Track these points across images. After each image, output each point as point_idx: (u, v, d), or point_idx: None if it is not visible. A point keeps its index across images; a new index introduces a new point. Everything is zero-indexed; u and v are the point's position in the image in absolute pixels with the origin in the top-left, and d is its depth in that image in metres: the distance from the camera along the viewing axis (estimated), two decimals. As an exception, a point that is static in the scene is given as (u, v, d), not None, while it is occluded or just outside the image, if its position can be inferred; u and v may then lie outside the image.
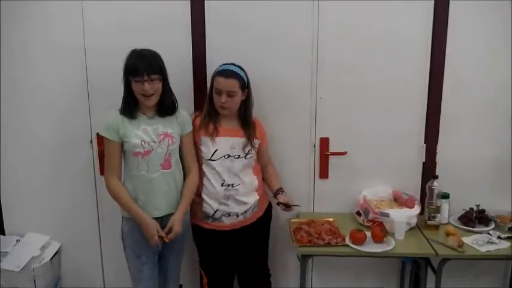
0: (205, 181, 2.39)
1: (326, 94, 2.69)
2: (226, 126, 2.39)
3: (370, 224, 2.55)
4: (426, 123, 2.70)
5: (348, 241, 2.35)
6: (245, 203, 2.42)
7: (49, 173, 2.88)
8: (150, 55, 2.18)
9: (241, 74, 2.34)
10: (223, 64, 2.35)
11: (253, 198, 2.45)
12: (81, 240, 2.98)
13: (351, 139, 2.74)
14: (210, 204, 2.38)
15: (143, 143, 2.22)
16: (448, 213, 2.61)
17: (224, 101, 2.30)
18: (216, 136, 2.36)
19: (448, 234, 2.43)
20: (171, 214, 2.30)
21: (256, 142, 2.45)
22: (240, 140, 2.39)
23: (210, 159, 2.36)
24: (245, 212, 2.43)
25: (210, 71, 2.58)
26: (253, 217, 2.48)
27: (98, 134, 2.35)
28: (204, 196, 2.40)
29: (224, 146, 2.36)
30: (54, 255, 2.92)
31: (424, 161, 2.74)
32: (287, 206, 2.41)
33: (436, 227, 2.53)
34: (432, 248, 2.32)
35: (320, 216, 2.66)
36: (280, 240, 2.76)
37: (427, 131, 2.71)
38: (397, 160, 2.75)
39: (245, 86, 2.36)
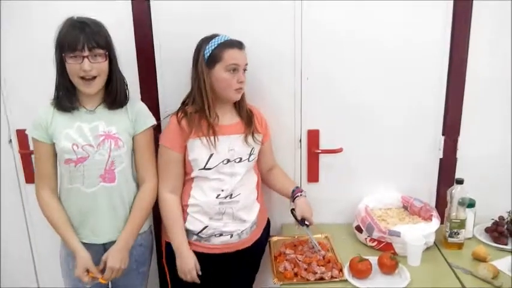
0: (193, 192, 1.84)
1: (314, 73, 2.05)
2: (221, 122, 1.82)
3: (374, 244, 1.96)
4: (445, 109, 2.08)
5: (347, 273, 1.76)
6: (243, 221, 1.86)
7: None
8: (92, 23, 1.62)
9: None
10: (216, 35, 1.77)
11: (253, 214, 1.90)
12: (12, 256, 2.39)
13: (348, 132, 2.13)
14: (198, 219, 1.82)
15: (75, 146, 1.69)
16: (473, 224, 2.03)
17: (244, 79, 1.78)
18: (212, 136, 1.76)
19: (477, 258, 1.85)
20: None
21: (258, 137, 1.88)
22: (240, 137, 1.84)
23: (203, 168, 1.78)
24: (241, 232, 1.85)
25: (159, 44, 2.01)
26: (251, 239, 1.91)
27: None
28: (190, 209, 1.83)
29: (222, 148, 1.80)
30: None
31: (441, 157, 2.13)
32: (305, 223, 1.89)
33: (460, 245, 1.96)
34: (459, 280, 1.75)
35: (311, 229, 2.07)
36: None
37: (447, 119, 2.09)
38: (407, 157, 2.15)
39: None
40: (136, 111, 1.77)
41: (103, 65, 1.64)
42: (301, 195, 1.93)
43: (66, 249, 1.79)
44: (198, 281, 1.81)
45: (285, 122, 2.11)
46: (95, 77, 1.63)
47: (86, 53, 1.58)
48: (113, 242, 1.77)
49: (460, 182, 1.93)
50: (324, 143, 2.13)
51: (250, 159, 1.85)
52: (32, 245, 2.37)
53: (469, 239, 2.01)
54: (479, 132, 2.10)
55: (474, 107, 2.06)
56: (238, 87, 1.77)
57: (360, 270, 1.75)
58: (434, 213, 2.00)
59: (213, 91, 1.77)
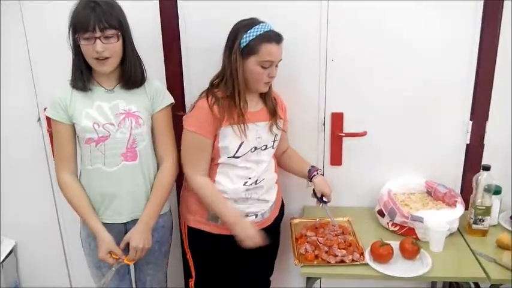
0: (219, 178, 1.81)
1: (340, 55, 2.01)
2: (249, 109, 1.78)
3: (396, 228, 1.95)
4: (474, 94, 2.02)
5: (368, 257, 1.76)
6: (266, 201, 1.87)
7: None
8: (104, 3, 1.59)
9: None
10: (254, 23, 1.68)
11: (273, 195, 1.92)
12: (40, 236, 2.46)
13: (372, 115, 2.09)
14: None
15: (96, 125, 1.68)
16: (498, 211, 2.00)
17: (275, 74, 1.74)
18: (242, 124, 1.74)
19: (501, 245, 1.83)
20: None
21: (281, 123, 1.88)
22: (266, 125, 1.82)
23: (233, 157, 1.76)
24: (264, 211, 1.88)
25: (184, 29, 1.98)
26: (270, 218, 1.92)
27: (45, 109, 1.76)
28: None
29: (251, 136, 1.77)
30: (7, 256, 2.41)
31: (468, 142, 2.09)
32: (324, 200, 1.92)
33: (484, 232, 1.93)
34: (481, 267, 1.73)
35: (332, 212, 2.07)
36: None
37: (475, 103, 2.03)
38: (433, 142, 2.11)
39: None
40: (154, 90, 1.77)
41: (116, 46, 1.61)
42: (317, 173, 1.94)
43: (86, 230, 1.80)
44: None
45: (309, 104, 2.09)
46: (108, 57, 1.62)
47: (98, 34, 1.56)
48: (135, 221, 1.79)
49: (487, 168, 1.90)
50: (347, 126, 2.10)
51: (274, 145, 1.86)
52: (61, 225, 2.44)
53: (494, 226, 1.98)
54: (507, 118, 2.03)
55: (504, 91, 2.00)
56: (268, 81, 1.74)
57: (381, 254, 1.75)
58: (459, 199, 1.97)
59: (244, 80, 1.73)
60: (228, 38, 1.71)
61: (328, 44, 2.00)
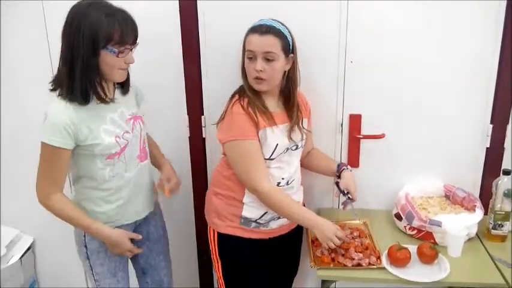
0: None
1: (358, 57, 2.00)
2: (274, 110, 1.76)
3: (413, 232, 1.93)
4: (495, 96, 1.99)
5: (385, 261, 1.75)
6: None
7: (12, 154, 2.37)
8: (129, 15, 1.56)
9: (284, 31, 1.68)
10: (260, 20, 1.70)
11: (301, 195, 1.94)
12: (57, 234, 2.47)
13: (390, 117, 2.07)
14: (256, 207, 1.78)
15: (117, 138, 1.64)
16: (518, 217, 1.97)
17: (260, 67, 1.64)
18: (275, 125, 1.73)
19: (521, 251, 1.81)
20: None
21: (305, 123, 1.87)
22: (288, 126, 1.78)
23: (268, 159, 1.74)
24: None
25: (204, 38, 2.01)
26: None
27: (42, 142, 1.56)
28: (246, 199, 1.79)
29: (282, 137, 1.76)
30: (25, 253, 2.45)
31: (488, 146, 2.06)
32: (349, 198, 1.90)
33: (503, 237, 1.91)
34: (500, 272, 1.71)
35: (347, 215, 2.05)
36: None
37: (496, 106, 2.00)
38: (452, 146, 2.08)
39: (289, 49, 1.70)
40: (134, 88, 1.79)
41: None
42: (347, 168, 1.93)
43: (96, 241, 1.74)
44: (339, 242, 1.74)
45: (327, 105, 2.08)
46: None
47: (130, 46, 1.56)
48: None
49: (507, 173, 1.87)
50: (365, 128, 2.09)
51: (302, 145, 1.85)
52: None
53: (513, 231, 1.95)
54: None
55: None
56: (255, 75, 1.66)
57: (399, 258, 1.73)
58: (478, 203, 1.94)
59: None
60: None
61: (347, 45, 1.98)
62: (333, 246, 1.72)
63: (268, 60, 1.65)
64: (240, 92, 1.74)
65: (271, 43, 1.64)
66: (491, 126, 2.02)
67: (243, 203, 1.79)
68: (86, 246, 1.78)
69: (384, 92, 2.04)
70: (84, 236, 1.76)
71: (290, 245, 1.97)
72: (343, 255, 1.78)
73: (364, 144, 2.12)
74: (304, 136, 1.84)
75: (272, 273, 1.95)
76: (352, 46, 1.99)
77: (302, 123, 1.82)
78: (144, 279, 1.97)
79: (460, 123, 2.05)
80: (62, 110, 1.53)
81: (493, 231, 1.90)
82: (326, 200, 2.20)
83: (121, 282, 1.85)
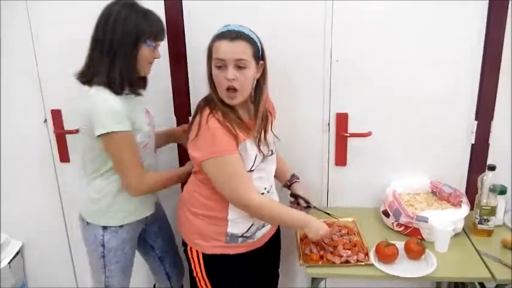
0: None
1: (344, 56, 2.01)
2: (247, 120, 1.66)
3: (401, 229, 1.95)
4: (479, 93, 2.02)
5: (373, 258, 1.77)
6: None
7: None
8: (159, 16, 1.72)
9: (253, 37, 1.57)
10: (224, 26, 1.59)
11: (277, 199, 1.86)
12: (46, 238, 2.48)
13: (377, 115, 2.09)
14: (242, 222, 1.70)
15: (149, 127, 1.78)
16: (504, 211, 2.00)
17: (232, 76, 1.52)
18: (252, 136, 1.64)
19: (506, 246, 1.83)
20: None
21: (274, 126, 1.81)
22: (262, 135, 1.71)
23: (249, 171, 1.64)
24: None
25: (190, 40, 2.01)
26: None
27: (102, 134, 1.57)
28: (232, 216, 1.69)
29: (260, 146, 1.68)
30: (14, 257, 2.43)
31: (473, 142, 2.08)
32: (306, 206, 1.89)
33: (489, 232, 1.93)
34: (487, 267, 1.73)
35: (335, 213, 2.05)
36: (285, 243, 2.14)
37: (480, 103, 2.03)
38: (438, 142, 2.10)
39: (259, 55, 1.59)
40: None
41: None
42: (298, 181, 1.95)
43: (119, 237, 1.78)
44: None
45: (314, 105, 2.09)
46: None
47: (160, 42, 1.71)
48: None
49: (492, 168, 1.89)
50: (352, 127, 2.10)
51: (274, 150, 1.79)
52: (67, 226, 2.45)
53: (499, 226, 1.97)
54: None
55: (509, 91, 1.99)
56: (227, 85, 1.54)
57: (386, 254, 1.75)
58: (464, 199, 1.97)
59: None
60: None
61: (332, 44, 2.00)
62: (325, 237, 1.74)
63: (239, 67, 1.53)
64: (210, 105, 1.59)
65: (242, 49, 1.52)
66: (476, 122, 2.05)
67: (228, 220, 1.69)
68: (103, 245, 1.80)
69: (370, 90, 2.06)
70: (103, 235, 1.78)
71: (272, 249, 1.93)
72: (331, 252, 1.80)
73: (351, 143, 2.14)
74: (275, 139, 1.78)
75: (261, 280, 1.94)
76: (338, 45, 2.00)
77: (272, 128, 1.75)
78: (161, 266, 2.06)
79: (445, 121, 2.07)
80: (110, 98, 1.59)
81: (479, 226, 1.93)
82: (315, 198, 2.17)
83: (127, 278, 1.93)
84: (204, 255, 1.73)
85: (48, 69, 2.16)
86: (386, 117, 2.09)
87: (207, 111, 1.58)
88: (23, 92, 2.21)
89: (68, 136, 2.27)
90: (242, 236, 1.72)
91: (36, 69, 2.16)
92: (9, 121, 2.27)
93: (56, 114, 2.23)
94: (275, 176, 1.85)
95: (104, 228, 1.77)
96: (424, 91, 2.03)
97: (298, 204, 1.90)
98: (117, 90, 1.61)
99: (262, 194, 1.71)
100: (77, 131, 2.19)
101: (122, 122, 1.59)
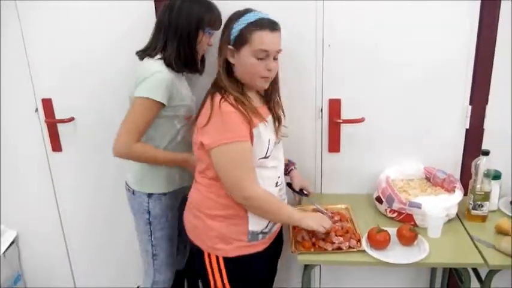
0: None
1: (337, 40, 1.98)
2: (257, 105, 1.64)
3: (394, 215, 1.94)
4: (473, 77, 1.98)
5: (365, 244, 1.75)
6: (284, 199, 1.80)
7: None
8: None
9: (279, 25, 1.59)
10: (248, 11, 1.55)
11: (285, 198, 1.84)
12: (41, 227, 2.48)
13: (370, 101, 2.07)
14: (261, 218, 1.66)
15: (192, 102, 1.90)
16: (498, 197, 1.98)
17: (274, 67, 1.56)
18: (264, 120, 1.60)
19: (501, 231, 1.81)
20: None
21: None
22: (271, 119, 1.69)
23: (264, 157, 1.60)
24: None
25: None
26: None
27: (138, 97, 1.68)
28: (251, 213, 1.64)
29: (271, 132, 1.65)
30: (9, 247, 2.44)
31: (467, 127, 2.06)
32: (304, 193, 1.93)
33: (483, 218, 1.91)
34: (480, 253, 1.71)
35: (329, 200, 2.07)
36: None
37: (474, 87, 2.00)
38: (432, 128, 2.08)
39: None
40: None
41: None
42: (294, 168, 1.94)
43: (163, 203, 1.90)
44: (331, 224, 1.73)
45: (306, 90, 2.07)
46: None
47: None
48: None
49: (486, 153, 1.87)
50: (345, 113, 2.08)
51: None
52: (61, 215, 2.45)
53: (494, 211, 1.96)
54: (507, 102, 2.00)
55: (503, 75, 1.96)
56: (266, 75, 1.56)
57: (378, 241, 1.74)
58: (458, 184, 1.95)
59: (241, 74, 1.59)
60: (222, 31, 1.62)
61: (324, 28, 1.97)
62: (328, 228, 1.69)
63: (275, 58, 1.57)
64: (220, 91, 1.55)
65: (279, 40, 1.56)
66: (470, 107, 2.02)
67: (248, 216, 1.63)
68: (149, 212, 1.90)
69: (363, 75, 2.03)
70: (148, 203, 1.89)
71: (276, 244, 1.88)
72: (323, 239, 1.78)
73: (345, 129, 2.11)
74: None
75: (272, 269, 1.96)
76: (330, 29, 1.97)
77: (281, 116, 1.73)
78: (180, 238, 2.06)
79: (439, 105, 2.04)
80: (164, 71, 1.73)
81: (473, 212, 1.91)
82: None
83: (173, 246, 2.02)
84: (225, 259, 1.66)
85: (39, 57, 2.14)
86: (379, 103, 2.06)
87: (217, 96, 1.53)
88: (14, 81, 2.20)
89: (59, 125, 2.25)
90: (262, 232, 1.68)
91: (26, 58, 2.14)
92: (1, 111, 2.26)
93: (47, 104, 2.21)
94: None
95: (149, 195, 1.88)
96: (417, 76, 2.00)
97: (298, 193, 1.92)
98: (179, 69, 1.77)
99: (277, 184, 1.69)
100: (69, 120, 2.21)
101: (159, 92, 1.69)
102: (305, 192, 1.94)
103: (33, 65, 2.16)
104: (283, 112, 1.76)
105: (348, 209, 2.04)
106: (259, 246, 1.70)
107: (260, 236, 1.68)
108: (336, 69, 2.03)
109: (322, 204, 1.99)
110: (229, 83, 1.57)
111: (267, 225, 1.69)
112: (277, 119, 1.68)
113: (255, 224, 1.65)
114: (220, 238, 1.64)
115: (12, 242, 2.47)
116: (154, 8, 1.97)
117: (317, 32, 1.98)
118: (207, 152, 1.56)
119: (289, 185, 1.94)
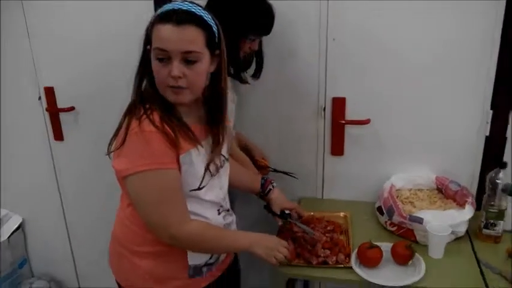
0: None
1: (342, 34, 1.81)
2: (192, 123, 1.31)
3: (394, 228, 1.76)
4: (496, 77, 1.74)
5: (354, 260, 1.59)
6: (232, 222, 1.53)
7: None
8: None
9: (208, 18, 1.22)
10: (168, 2, 1.25)
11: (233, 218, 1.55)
12: (44, 213, 2.50)
13: (377, 101, 1.88)
14: None
15: None
16: (516, 216, 1.75)
17: (178, 73, 1.18)
18: (199, 145, 1.29)
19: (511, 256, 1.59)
20: None
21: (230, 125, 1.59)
22: (210, 140, 1.35)
23: (198, 188, 1.32)
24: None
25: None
26: None
27: None
28: None
29: (207, 155, 1.33)
30: (14, 232, 2.47)
31: (487, 134, 1.82)
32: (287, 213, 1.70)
33: (496, 238, 1.69)
34: (484, 280, 1.50)
35: (329, 206, 1.92)
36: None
37: (497, 88, 1.75)
38: (446, 133, 1.86)
39: (216, 43, 1.25)
40: None
41: None
42: (272, 187, 1.68)
43: None
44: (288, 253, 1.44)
45: (308, 88, 1.91)
46: None
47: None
48: None
49: (504, 165, 1.64)
50: (350, 113, 1.91)
51: (227, 156, 1.47)
52: (63, 202, 2.45)
53: (509, 232, 1.72)
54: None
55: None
56: (170, 83, 1.19)
57: (368, 257, 1.57)
58: (470, 199, 1.73)
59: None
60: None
61: (328, 20, 1.80)
62: (282, 257, 1.40)
63: (188, 62, 1.19)
64: (143, 103, 1.24)
65: (192, 38, 1.17)
66: (491, 112, 1.78)
67: (186, 251, 1.35)
68: None
69: (371, 72, 1.85)
70: None
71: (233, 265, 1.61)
72: (309, 251, 1.63)
73: (349, 131, 1.94)
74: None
75: None
76: (335, 22, 1.80)
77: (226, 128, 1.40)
78: None
79: (456, 108, 1.82)
80: None
81: (485, 231, 1.69)
82: (309, 189, 2.05)
83: None
84: None
85: (41, 46, 2.13)
86: (387, 103, 1.87)
87: (140, 111, 1.22)
88: (17, 69, 2.21)
89: (61, 114, 2.24)
90: (206, 264, 1.40)
91: (29, 45, 2.13)
92: (6, 98, 2.28)
93: (49, 92, 2.20)
94: (239, 188, 1.65)
95: None
96: (431, 74, 1.79)
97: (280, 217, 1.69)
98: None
99: (219, 212, 1.41)
100: (69, 109, 2.18)
101: None
102: (286, 212, 1.69)
103: (36, 53, 2.14)
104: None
105: (346, 217, 1.87)
106: (206, 280, 1.42)
107: (205, 268, 1.40)
108: (340, 65, 1.86)
109: (320, 210, 1.84)
110: (152, 94, 1.25)
111: (212, 255, 1.41)
112: (216, 142, 1.34)
113: (196, 256, 1.37)
114: (153, 279, 1.36)
115: (18, 228, 2.50)
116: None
117: (321, 24, 1.81)
118: (122, 179, 1.27)
119: (267, 207, 1.70)
